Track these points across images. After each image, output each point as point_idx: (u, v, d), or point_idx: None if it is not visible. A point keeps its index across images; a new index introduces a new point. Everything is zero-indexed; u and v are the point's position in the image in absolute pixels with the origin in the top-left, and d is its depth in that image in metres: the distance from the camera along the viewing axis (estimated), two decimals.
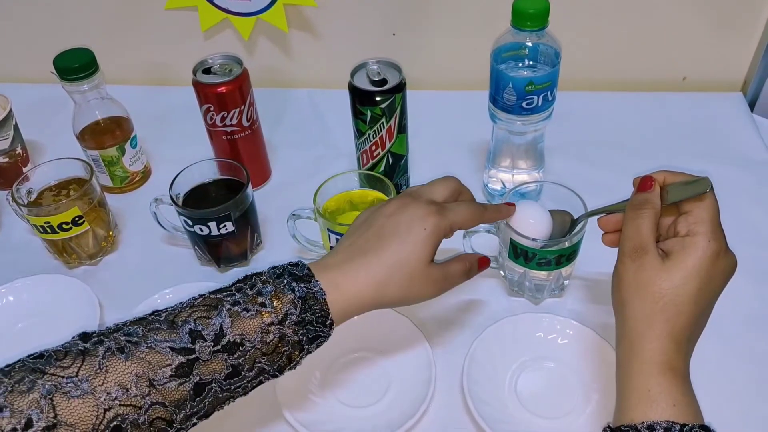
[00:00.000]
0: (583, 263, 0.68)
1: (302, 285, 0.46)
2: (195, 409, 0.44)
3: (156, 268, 0.75)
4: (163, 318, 0.45)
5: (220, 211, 0.66)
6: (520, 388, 0.59)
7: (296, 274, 0.47)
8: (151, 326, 0.44)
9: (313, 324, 0.46)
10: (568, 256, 0.62)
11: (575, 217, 0.62)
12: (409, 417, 0.56)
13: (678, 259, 0.45)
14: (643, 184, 0.50)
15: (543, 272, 0.64)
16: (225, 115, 0.75)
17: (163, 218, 0.73)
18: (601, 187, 0.81)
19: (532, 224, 0.60)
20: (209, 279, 0.71)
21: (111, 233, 0.76)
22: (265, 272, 0.48)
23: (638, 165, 0.84)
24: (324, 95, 0.98)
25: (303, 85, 1.01)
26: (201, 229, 0.68)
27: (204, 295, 0.47)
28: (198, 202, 0.70)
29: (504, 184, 0.77)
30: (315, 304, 0.46)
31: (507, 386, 0.60)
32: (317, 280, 0.47)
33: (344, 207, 0.69)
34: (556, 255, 0.61)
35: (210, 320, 0.44)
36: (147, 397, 0.42)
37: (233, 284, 0.48)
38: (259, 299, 0.45)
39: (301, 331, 0.46)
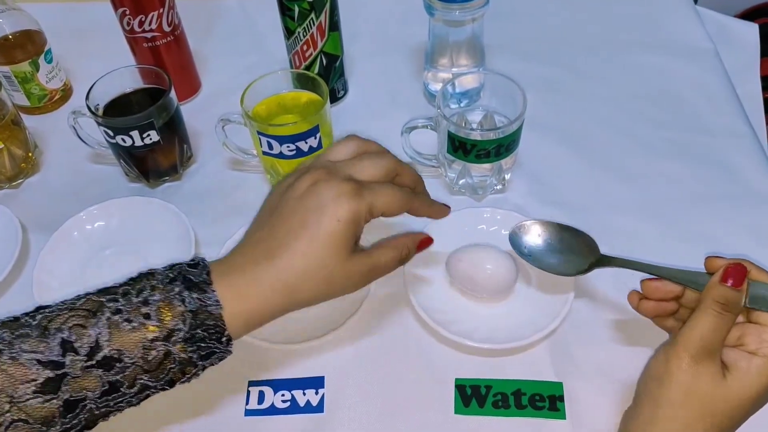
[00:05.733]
0: (524, 154, 0.67)
1: (195, 296, 0.40)
2: (68, 425, 0.39)
3: (82, 189, 0.71)
4: (36, 322, 0.39)
5: (141, 119, 0.62)
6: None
7: (191, 279, 0.41)
8: (20, 331, 0.39)
9: (205, 341, 0.40)
10: (507, 146, 0.60)
11: (601, 253, 0.50)
12: None
13: (740, 378, 0.41)
14: (734, 274, 0.42)
15: (483, 165, 0.62)
16: (143, 19, 0.69)
17: (85, 134, 0.69)
18: (544, 82, 0.79)
19: (489, 270, 0.54)
20: (139, 196, 0.67)
21: (31, 155, 0.72)
22: (159, 272, 0.42)
23: (582, 61, 0.83)
24: (255, 3, 0.92)
25: None
26: (123, 140, 0.63)
27: (90, 294, 0.41)
28: (120, 112, 0.66)
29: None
30: (208, 318, 0.40)
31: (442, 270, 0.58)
32: (214, 290, 0.40)
33: (275, 111, 0.65)
34: (495, 145, 0.59)
35: (86, 330, 0.39)
36: (7, 414, 0.37)
37: (123, 284, 0.41)
38: (144, 309, 0.39)
39: (190, 349, 0.40)
